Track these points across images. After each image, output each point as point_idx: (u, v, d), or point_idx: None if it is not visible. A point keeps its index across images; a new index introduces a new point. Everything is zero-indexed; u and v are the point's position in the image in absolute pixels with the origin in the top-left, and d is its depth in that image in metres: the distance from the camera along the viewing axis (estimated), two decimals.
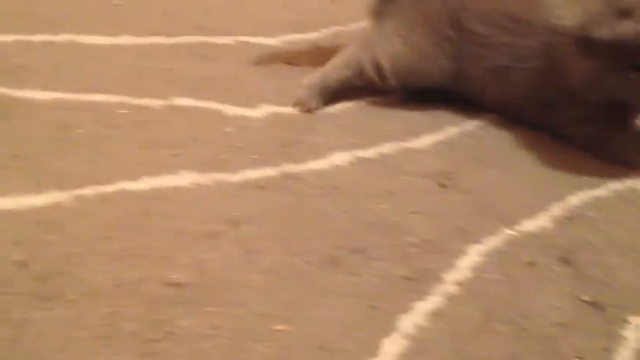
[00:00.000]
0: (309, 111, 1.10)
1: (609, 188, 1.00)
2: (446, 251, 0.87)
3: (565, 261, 0.87)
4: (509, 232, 0.91)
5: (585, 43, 0.99)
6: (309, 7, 1.36)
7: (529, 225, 0.92)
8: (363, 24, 1.28)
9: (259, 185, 0.94)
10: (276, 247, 0.84)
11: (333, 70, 1.14)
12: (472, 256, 0.87)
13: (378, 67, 1.12)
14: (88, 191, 0.89)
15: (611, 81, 1.00)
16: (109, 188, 0.90)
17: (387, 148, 1.03)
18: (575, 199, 0.97)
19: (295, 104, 1.10)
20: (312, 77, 1.13)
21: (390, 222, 0.90)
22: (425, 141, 1.05)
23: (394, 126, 1.08)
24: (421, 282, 0.82)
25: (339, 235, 0.87)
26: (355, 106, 1.13)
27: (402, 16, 1.12)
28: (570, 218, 0.94)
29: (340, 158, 1.00)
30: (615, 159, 1.05)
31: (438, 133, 1.07)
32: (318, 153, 1.01)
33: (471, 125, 1.10)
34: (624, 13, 0.96)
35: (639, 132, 1.06)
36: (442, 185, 0.97)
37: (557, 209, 0.95)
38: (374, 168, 0.99)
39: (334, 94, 1.13)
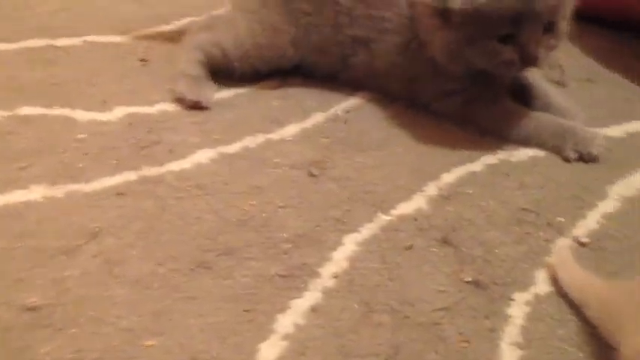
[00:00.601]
0: (195, 106, 1.05)
1: (483, 162, 0.99)
2: (321, 244, 0.84)
3: (444, 241, 0.85)
4: (386, 217, 0.88)
5: (444, 15, 0.98)
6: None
7: (406, 208, 0.90)
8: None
9: (118, 192, 0.89)
10: (139, 257, 0.80)
11: (187, 57, 1.10)
12: (349, 246, 0.84)
13: (222, 50, 1.09)
14: None
15: (473, 52, 0.99)
16: None
17: (251, 141, 0.99)
18: (451, 177, 0.96)
19: (176, 101, 1.06)
20: (177, 70, 1.09)
21: (259, 219, 0.86)
22: (291, 130, 1.02)
23: (258, 117, 1.04)
24: (297, 278, 0.79)
25: (206, 238, 0.83)
26: (217, 99, 1.08)
27: None
28: (446, 197, 0.92)
29: (203, 156, 0.95)
30: (486, 131, 1.04)
31: (304, 120, 1.04)
32: (179, 153, 0.96)
33: (339, 109, 1.07)
34: None
35: (508, 103, 1.05)
36: (312, 175, 0.94)
37: (433, 189, 0.93)
38: (239, 164, 0.95)
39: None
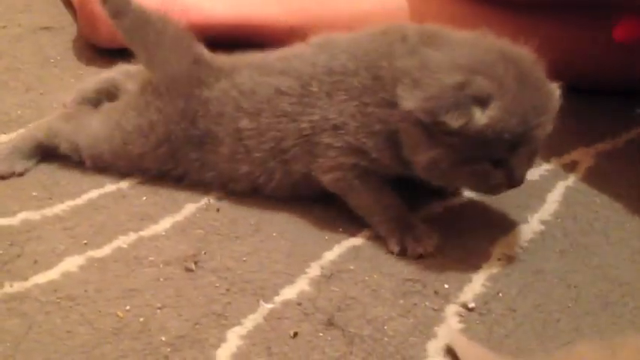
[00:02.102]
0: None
1: (364, 235, 0.99)
2: (203, 343, 0.81)
3: (331, 324, 0.84)
4: (269, 305, 0.87)
5: (431, 129, 0.90)
6: (11, 103, 1.27)
7: (289, 292, 0.89)
8: None
9: None
10: None
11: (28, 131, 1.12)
12: (232, 342, 0.82)
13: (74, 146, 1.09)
14: None
15: (460, 173, 0.92)
16: None
17: (123, 241, 0.96)
18: (332, 254, 0.95)
19: None
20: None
21: (137, 324, 0.84)
22: (163, 225, 0.99)
23: (128, 215, 1.01)
24: None
25: (80, 353, 0.79)
26: (82, 200, 1.04)
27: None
28: (329, 276, 0.91)
29: (71, 264, 0.92)
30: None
31: (177, 213, 1.02)
32: (44, 263, 0.92)
33: (211, 198, 1.05)
34: (479, 101, 0.89)
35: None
36: (189, 269, 0.92)
37: (315, 269, 0.93)
38: (111, 267, 0.92)
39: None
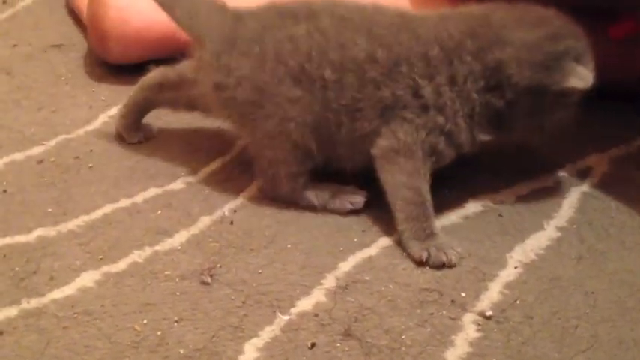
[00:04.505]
0: None
1: (378, 245, 1.00)
2: (220, 356, 0.83)
3: (348, 334, 0.86)
4: (285, 316, 0.88)
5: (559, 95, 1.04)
6: (25, 121, 1.29)
7: (305, 304, 0.90)
8: (90, 128, 1.25)
9: None
10: None
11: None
12: (250, 354, 0.83)
13: None
14: None
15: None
16: None
17: (138, 256, 0.98)
18: (348, 265, 0.96)
19: None
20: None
21: (154, 337, 0.85)
22: (178, 239, 1.01)
23: (143, 230, 1.03)
24: None
25: None
26: (97, 215, 1.06)
27: None
28: (345, 287, 0.93)
29: (87, 279, 0.94)
30: None
31: (192, 226, 1.03)
32: (60, 279, 0.94)
33: (225, 210, 1.06)
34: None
35: None
36: (204, 283, 0.93)
37: (331, 280, 0.94)
38: (127, 281, 0.94)
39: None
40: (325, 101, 1.03)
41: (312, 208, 1.06)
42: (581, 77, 1.02)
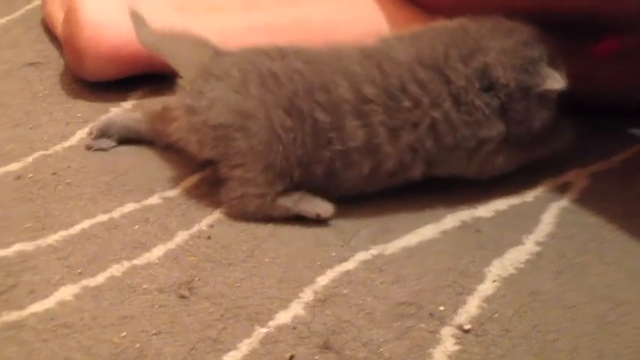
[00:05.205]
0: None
1: (357, 260, 1.03)
2: None
3: (326, 347, 0.89)
4: (264, 329, 0.91)
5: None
6: (2, 138, 1.31)
7: (283, 317, 0.93)
8: (67, 144, 1.29)
9: None
10: None
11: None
12: None
13: None
14: None
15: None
16: None
17: (116, 270, 1.01)
18: (326, 279, 1.00)
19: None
20: None
21: (133, 350, 0.88)
22: (156, 253, 1.04)
23: (121, 244, 1.06)
24: None
25: None
26: (75, 230, 1.09)
27: None
28: (323, 300, 0.96)
29: (66, 293, 0.97)
30: None
31: (169, 241, 1.07)
32: (40, 293, 0.97)
33: (202, 225, 1.10)
34: None
35: None
36: (182, 296, 0.96)
37: (309, 294, 0.97)
38: (106, 295, 0.97)
39: None
40: (320, 141, 1.08)
41: (288, 222, 1.10)
42: (557, 80, 1.10)
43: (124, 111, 1.36)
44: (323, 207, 1.10)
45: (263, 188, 1.09)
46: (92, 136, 1.28)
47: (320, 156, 1.08)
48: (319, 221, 1.09)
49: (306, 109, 1.08)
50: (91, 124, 1.31)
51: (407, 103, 1.07)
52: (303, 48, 1.14)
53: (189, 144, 1.13)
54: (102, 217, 1.11)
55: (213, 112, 1.08)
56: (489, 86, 1.10)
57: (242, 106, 1.08)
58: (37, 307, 0.95)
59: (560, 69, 1.11)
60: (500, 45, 1.10)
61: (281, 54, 1.12)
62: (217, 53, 1.15)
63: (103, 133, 1.27)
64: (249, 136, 1.07)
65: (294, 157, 1.08)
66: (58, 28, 1.53)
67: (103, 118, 1.29)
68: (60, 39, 1.53)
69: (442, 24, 1.16)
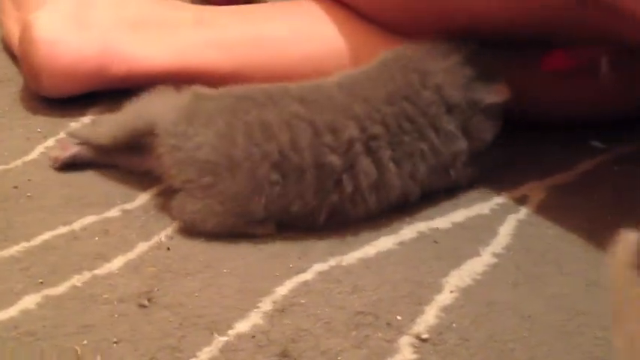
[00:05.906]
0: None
1: (314, 270, 1.07)
2: None
3: (285, 355, 0.93)
4: (223, 338, 0.95)
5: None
6: None
7: (242, 326, 0.97)
8: (27, 158, 1.34)
9: None
10: None
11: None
12: None
13: None
14: None
15: None
16: None
17: (77, 280, 1.05)
18: (284, 289, 1.04)
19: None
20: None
21: (94, 358, 0.92)
22: (116, 264, 1.08)
23: (82, 255, 1.10)
24: None
25: None
26: (36, 242, 1.13)
27: None
28: (282, 310, 1.00)
29: (28, 302, 1.01)
30: None
31: (129, 252, 1.11)
32: (3, 302, 1.01)
33: (162, 236, 1.14)
34: None
35: None
36: (142, 306, 1.00)
37: (267, 304, 1.01)
38: (67, 304, 1.01)
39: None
40: (325, 186, 1.13)
41: (246, 235, 1.14)
42: (498, 93, 1.18)
43: (87, 131, 1.38)
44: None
45: (231, 220, 1.14)
46: (55, 166, 1.31)
47: (324, 201, 1.13)
48: (277, 234, 1.14)
49: (310, 158, 1.11)
50: (54, 138, 1.38)
51: (406, 138, 1.15)
52: (287, 86, 1.18)
53: (166, 174, 1.17)
54: (62, 229, 1.16)
55: (201, 152, 1.12)
56: (448, 108, 1.17)
57: (229, 152, 1.11)
58: (1, 315, 0.99)
59: (499, 81, 1.19)
60: (441, 66, 1.18)
61: (270, 98, 1.15)
62: (197, 97, 1.17)
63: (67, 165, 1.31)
64: (233, 181, 1.11)
65: (277, 208, 1.13)
66: (15, 45, 1.58)
67: (68, 153, 1.31)
68: (17, 56, 1.58)
69: (383, 55, 1.23)
